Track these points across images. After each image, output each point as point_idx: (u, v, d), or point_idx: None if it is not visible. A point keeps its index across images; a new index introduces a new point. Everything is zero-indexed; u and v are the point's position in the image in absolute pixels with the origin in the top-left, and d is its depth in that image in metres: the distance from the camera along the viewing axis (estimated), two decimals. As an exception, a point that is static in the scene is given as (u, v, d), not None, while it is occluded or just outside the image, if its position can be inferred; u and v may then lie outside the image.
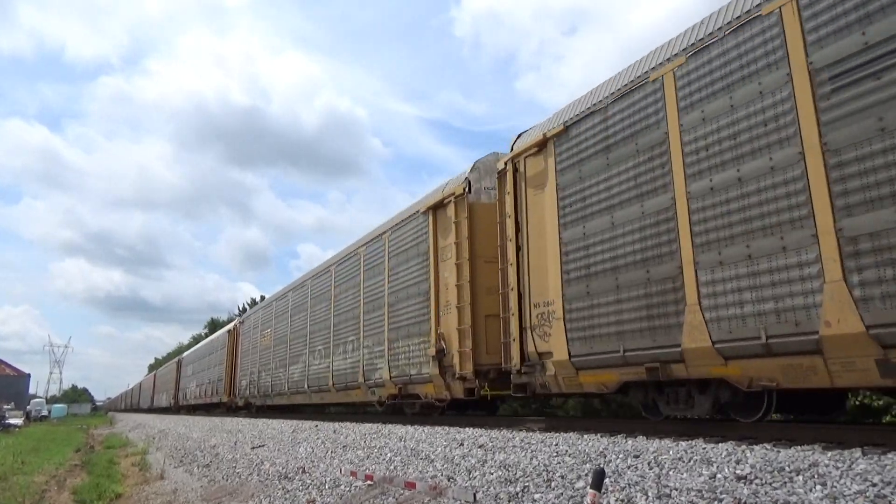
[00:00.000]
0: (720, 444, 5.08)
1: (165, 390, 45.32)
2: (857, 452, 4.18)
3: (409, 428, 9.62)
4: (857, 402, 11.53)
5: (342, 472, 7.29)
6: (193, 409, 35.13)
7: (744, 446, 4.89)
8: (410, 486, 5.85)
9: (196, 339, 67.54)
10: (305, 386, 16.34)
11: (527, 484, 4.95)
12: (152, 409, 51.92)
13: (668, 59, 6.50)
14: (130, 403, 77.61)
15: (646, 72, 6.76)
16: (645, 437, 6.03)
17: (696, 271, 5.90)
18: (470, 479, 5.53)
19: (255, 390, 21.39)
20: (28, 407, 63.28)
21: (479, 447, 6.76)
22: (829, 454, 4.21)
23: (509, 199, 8.73)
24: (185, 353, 41.31)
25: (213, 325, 67.15)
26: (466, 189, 10.14)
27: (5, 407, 44.57)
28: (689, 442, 5.41)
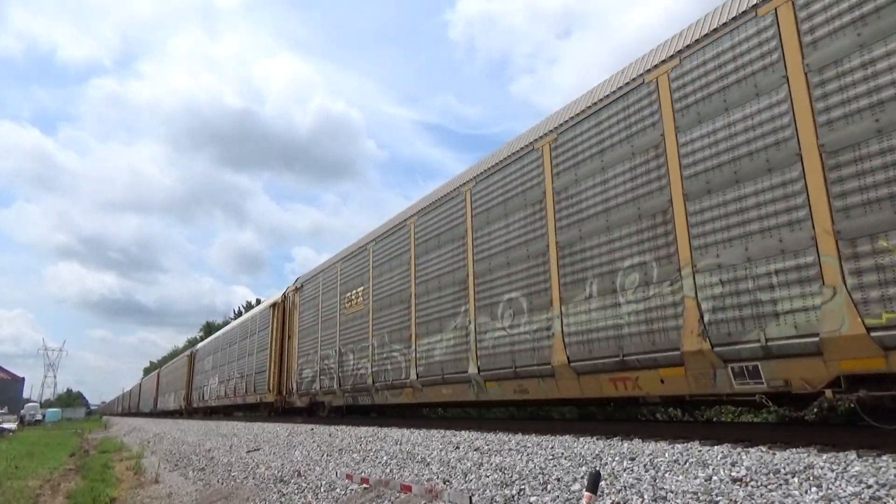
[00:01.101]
0: (716, 447, 5.09)
1: (173, 390, 38.02)
2: (853, 454, 4.19)
3: (405, 431, 9.60)
4: (852, 405, 11.53)
5: (338, 475, 7.27)
6: (212, 413, 28.85)
7: (739, 448, 4.90)
8: (406, 489, 5.84)
9: (192, 342, 67.07)
10: (471, 368, 8.88)
11: (523, 487, 4.94)
12: (156, 414, 45.91)
13: None
14: (128, 407, 71.77)
15: None
16: (641, 440, 6.03)
17: None
18: (466, 482, 5.52)
19: (331, 383, 13.86)
20: (22, 411, 63.03)
21: (475, 450, 6.75)
22: (825, 456, 4.21)
23: None
24: (201, 344, 33.19)
25: (209, 329, 66.88)
26: None
27: (-1, 411, 44.34)
28: (685, 444, 5.42)
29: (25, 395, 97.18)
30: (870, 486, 3.47)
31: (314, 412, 16.13)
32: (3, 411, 51.24)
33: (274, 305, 18.99)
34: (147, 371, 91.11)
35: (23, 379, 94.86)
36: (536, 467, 5.40)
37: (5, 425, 39.09)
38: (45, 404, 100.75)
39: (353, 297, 13.44)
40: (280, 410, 18.64)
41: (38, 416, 64.81)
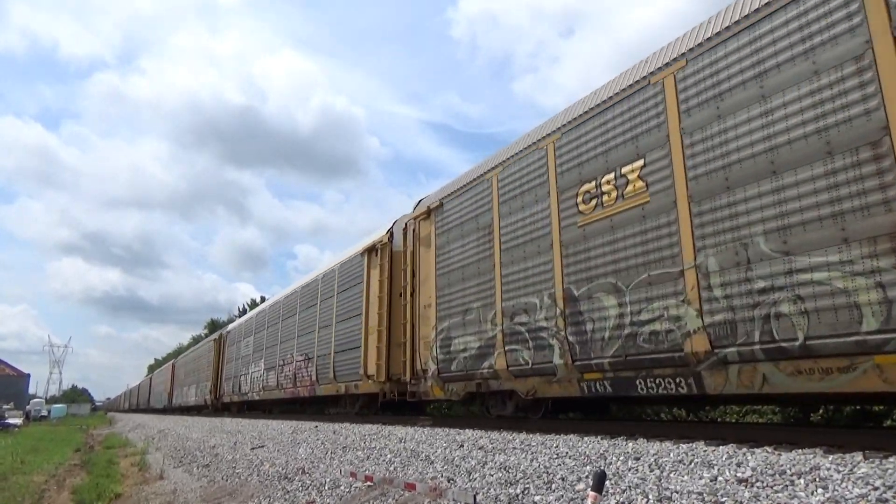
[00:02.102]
0: (721, 447, 5.08)
1: (195, 382, 32.20)
2: (859, 456, 4.17)
3: (409, 429, 9.61)
4: (857, 407, 11.47)
5: (342, 472, 7.28)
6: (249, 408, 24.05)
7: (745, 449, 4.89)
8: (410, 487, 5.84)
9: (196, 339, 67.20)
10: None
11: (527, 486, 4.94)
12: (171, 410, 40.29)
13: None
14: (136, 403, 66.83)
15: None
16: (645, 440, 6.03)
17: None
18: (470, 480, 5.52)
19: (542, 356, 7.72)
20: (27, 407, 63.39)
21: (479, 449, 6.76)
22: (831, 457, 4.20)
23: None
24: (234, 324, 27.38)
25: (213, 326, 67.03)
26: None
27: (5, 407, 44.60)
28: (690, 444, 5.41)
29: (31, 391, 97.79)
30: (876, 488, 3.45)
31: (477, 408, 10.43)
32: (8, 407, 51.48)
33: (371, 250, 12.68)
34: (152, 368, 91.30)
35: (28, 375, 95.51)
36: (541, 466, 5.40)
37: (11, 421, 39.29)
38: (51, 400, 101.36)
39: (606, 188, 7.08)
40: (390, 405, 12.47)
41: (44, 412, 65.19)
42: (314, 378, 15.00)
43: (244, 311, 52.51)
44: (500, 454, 6.25)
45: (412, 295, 10.93)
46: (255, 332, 22.06)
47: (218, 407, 27.06)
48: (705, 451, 4.97)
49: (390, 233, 12.30)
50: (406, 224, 11.53)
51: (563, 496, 4.51)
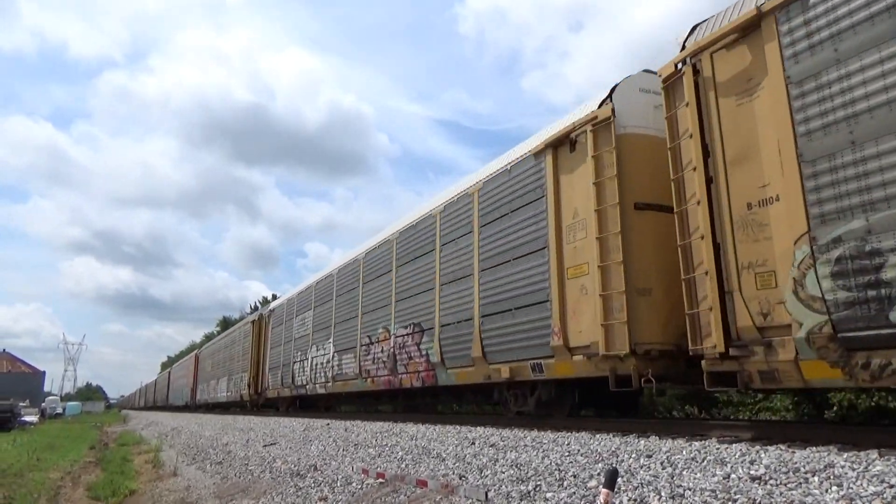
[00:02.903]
0: (734, 445, 5.06)
1: (225, 374, 27.41)
2: (874, 454, 4.14)
3: (421, 427, 9.64)
4: (873, 403, 11.36)
5: (354, 469, 7.31)
6: (299, 403, 20.00)
7: (758, 447, 4.86)
8: (422, 484, 5.86)
9: (208, 337, 67.59)
10: None
11: (539, 483, 4.94)
12: (194, 408, 36.07)
13: None
14: (153, 400, 62.45)
15: None
16: (658, 437, 6.01)
17: None
18: (482, 477, 5.53)
19: None
20: (43, 404, 64.10)
21: (491, 446, 6.77)
22: (845, 455, 4.17)
23: None
24: (276, 302, 22.74)
25: (225, 323, 67.40)
26: None
27: (21, 404, 45.08)
28: (702, 442, 5.39)
29: (46, 388, 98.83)
30: (892, 486, 3.43)
31: None
32: (24, 404, 52.09)
33: (561, 143, 7.94)
34: (165, 365, 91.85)
35: (43, 372, 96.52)
36: (552, 464, 5.39)
37: (27, 418, 39.74)
38: (66, 398, 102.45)
39: None
40: (590, 400, 8.68)
41: (59, 410, 65.92)
42: (435, 359, 10.24)
43: (255, 309, 52.48)
44: (511, 451, 6.26)
45: (709, 190, 5.93)
46: (314, 305, 17.01)
47: (259, 404, 22.35)
48: (718, 448, 4.95)
49: (611, 104, 7.38)
50: (677, 68, 6.34)
51: (574, 493, 4.51)
